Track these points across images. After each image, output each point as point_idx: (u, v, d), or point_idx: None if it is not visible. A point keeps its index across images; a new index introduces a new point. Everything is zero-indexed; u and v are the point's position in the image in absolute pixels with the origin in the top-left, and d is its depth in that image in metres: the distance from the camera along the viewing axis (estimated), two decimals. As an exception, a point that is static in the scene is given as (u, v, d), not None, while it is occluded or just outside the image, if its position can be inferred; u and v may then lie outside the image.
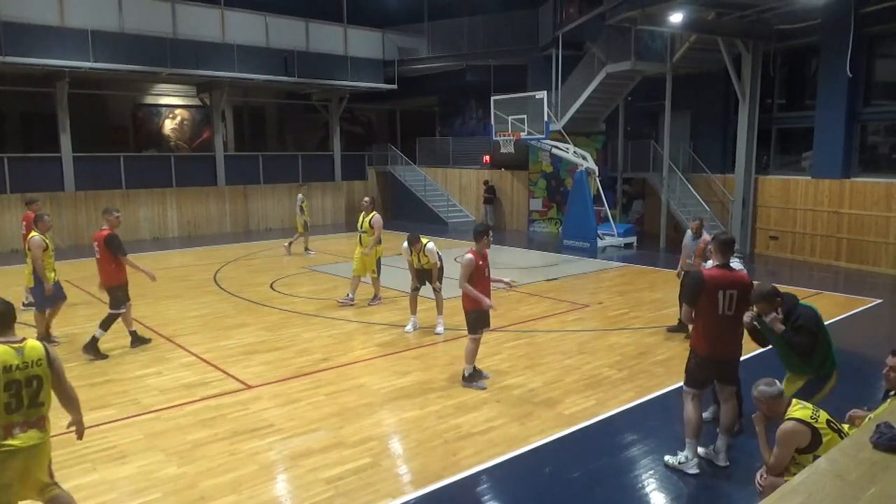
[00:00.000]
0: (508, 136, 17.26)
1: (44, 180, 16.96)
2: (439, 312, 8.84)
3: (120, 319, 8.04)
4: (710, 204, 16.58)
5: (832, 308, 10.17)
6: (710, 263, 5.19)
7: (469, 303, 6.71)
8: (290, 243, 15.87)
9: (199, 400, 6.43)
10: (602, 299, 10.93)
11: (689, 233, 8.90)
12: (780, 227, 15.29)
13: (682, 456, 5.01)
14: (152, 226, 19.05)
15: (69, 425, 3.94)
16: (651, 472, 5.04)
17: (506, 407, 6.24)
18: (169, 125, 23.42)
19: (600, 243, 16.28)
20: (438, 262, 8.66)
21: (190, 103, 22.97)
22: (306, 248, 15.84)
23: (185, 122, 23.75)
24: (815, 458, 3.51)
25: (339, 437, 5.59)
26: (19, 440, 3.47)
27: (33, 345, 3.57)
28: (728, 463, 5.03)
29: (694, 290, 4.93)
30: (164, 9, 17.64)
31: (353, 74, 21.31)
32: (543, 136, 16.69)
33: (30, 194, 13.57)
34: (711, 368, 5.00)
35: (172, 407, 6.26)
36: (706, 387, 5.22)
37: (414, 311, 8.93)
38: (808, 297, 10.88)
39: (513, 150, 17.80)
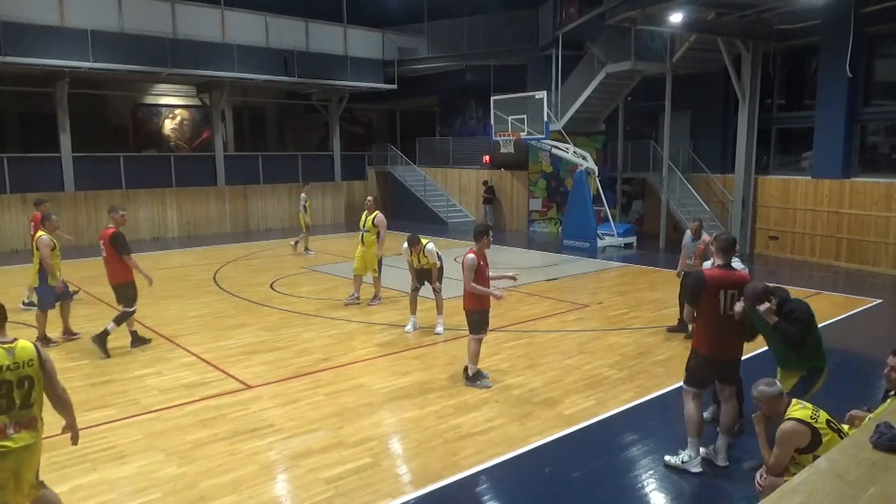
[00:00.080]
0: (508, 136, 17.26)
1: (44, 180, 16.95)
2: (439, 312, 8.84)
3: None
4: (709, 204, 16.58)
5: (832, 308, 10.17)
6: (708, 264, 5.19)
7: (472, 303, 6.71)
8: (297, 242, 15.88)
9: (199, 400, 6.43)
10: (602, 299, 10.93)
11: (688, 233, 8.88)
12: (780, 227, 15.29)
13: (684, 455, 5.01)
14: (152, 226, 19.05)
15: (63, 429, 3.90)
16: (651, 472, 5.04)
17: (506, 407, 6.24)
18: (169, 125, 23.42)
19: (600, 243, 16.28)
20: (438, 263, 8.66)
21: (190, 103, 22.97)
22: (306, 248, 15.84)
23: (185, 122, 23.75)
24: (815, 458, 3.51)
25: (339, 437, 5.59)
26: (12, 441, 3.47)
27: (24, 345, 3.55)
28: (728, 463, 5.03)
29: (695, 290, 4.94)
30: (163, 9, 17.63)
31: (353, 74, 21.31)
32: (543, 136, 16.69)
33: (38, 195, 13.60)
34: (712, 368, 5.01)
35: (172, 407, 6.26)
36: (707, 387, 5.23)
37: (414, 312, 8.94)
38: (808, 297, 10.86)
39: (513, 150, 17.80)
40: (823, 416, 3.90)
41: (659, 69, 16.45)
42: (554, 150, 17.46)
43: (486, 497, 4.83)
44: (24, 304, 10.13)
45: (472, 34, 22.08)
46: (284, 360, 7.68)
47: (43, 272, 8.06)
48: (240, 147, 24.52)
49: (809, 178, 14.71)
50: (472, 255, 6.54)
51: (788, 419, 3.89)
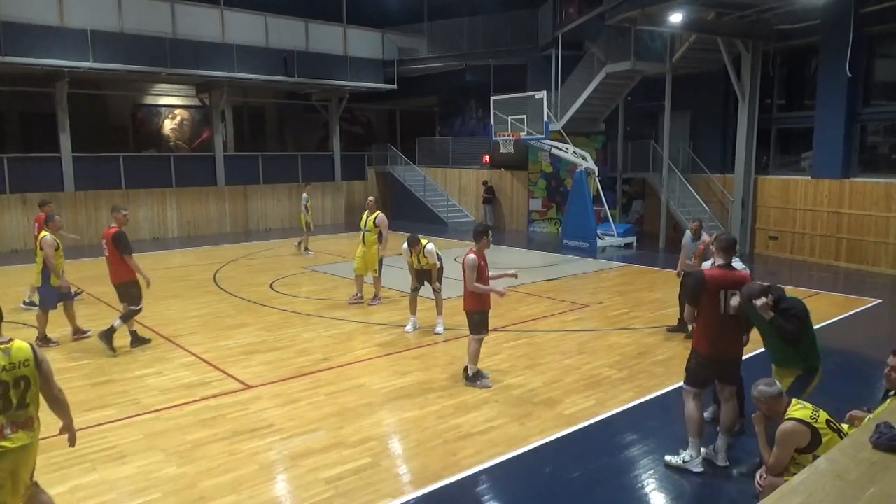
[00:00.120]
0: (508, 136, 17.26)
1: (43, 180, 16.95)
2: (439, 312, 8.85)
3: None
4: (709, 204, 16.58)
5: (832, 308, 10.18)
6: (708, 264, 5.20)
7: (472, 303, 6.72)
8: (300, 242, 15.90)
9: (199, 400, 6.42)
10: (602, 299, 10.93)
11: (688, 233, 8.87)
12: (780, 227, 15.29)
13: (686, 455, 5.02)
14: (152, 226, 19.04)
15: (60, 430, 3.88)
16: (651, 472, 5.04)
17: (506, 407, 6.24)
18: (168, 125, 23.42)
19: (600, 243, 16.29)
20: (438, 263, 8.67)
21: (189, 103, 22.96)
22: (306, 248, 15.84)
23: (185, 122, 23.74)
24: (815, 458, 3.52)
25: (339, 437, 5.59)
26: (10, 441, 3.47)
27: (21, 346, 3.54)
28: (728, 463, 5.03)
29: (695, 290, 4.95)
30: (163, 9, 17.63)
31: (353, 74, 21.31)
32: (543, 136, 16.69)
33: (42, 196, 13.63)
34: (712, 368, 5.01)
35: (172, 407, 6.26)
36: (707, 386, 5.23)
37: (414, 312, 8.94)
38: (808, 297, 10.88)
39: (512, 150, 17.80)
40: (823, 416, 3.90)
41: (659, 69, 16.45)
42: (554, 151, 17.47)
43: (486, 497, 4.84)
44: (25, 303, 10.13)
45: (472, 34, 22.07)
46: (284, 360, 7.68)
47: (46, 272, 8.08)
48: (240, 147, 24.52)
49: (809, 178, 14.72)
50: (473, 256, 6.54)
51: (788, 419, 3.89)
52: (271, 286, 11.92)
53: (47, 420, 3.83)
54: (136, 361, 7.65)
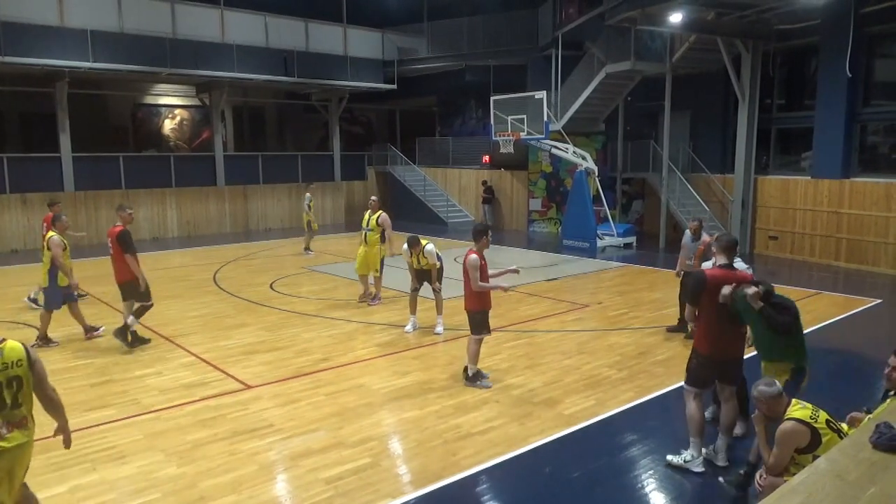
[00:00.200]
0: (508, 136, 17.26)
1: (43, 180, 16.95)
2: (439, 312, 8.85)
3: (123, 318, 8.08)
4: (709, 204, 16.58)
5: (832, 308, 10.18)
6: (709, 264, 5.19)
7: (474, 303, 6.71)
8: (307, 243, 15.89)
9: (198, 400, 6.42)
10: (602, 299, 10.93)
11: (687, 233, 8.86)
12: (780, 227, 15.29)
13: (686, 454, 5.02)
14: (152, 226, 19.04)
15: (55, 431, 3.87)
16: (651, 472, 5.04)
17: (506, 407, 6.24)
18: (168, 125, 23.42)
19: (600, 243, 16.29)
20: (438, 263, 8.67)
21: (189, 103, 22.96)
22: (306, 248, 15.85)
23: (185, 122, 23.74)
24: (815, 458, 3.51)
25: (339, 437, 5.59)
26: (6, 441, 3.47)
27: (13, 346, 3.54)
28: (727, 463, 5.02)
29: (696, 290, 4.96)
30: (163, 9, 17.63)
31: (353, 74, 21.31)
32: (543, 136, 16.69)
33: (42, 195, 13.57)
34: (713, 368, 5.01)
35: (172, 407, 6.26)
36: (708, 387, 5.24)
37: (413, 312, 8.94)
38: (808, 297, 10.89)
39: (512, 151, 17.80)
40: (823, 416, 3.90)
41: (659, 69, 16.45)
42: (554, 151, 17.46)
43: (486, 497, 4.84)
44: (29, 298, 10.07)
45: (472, 34, 22.07)
46: (284, 360, 7.68)
47: (52, 272, 8.10)
48: (239, 147, 24.52)
49: (809, 178, 14.72)
50: (475, 256, 6.53)
51: (788, 419, 3.89)
52: (271, 286, 11.92)
53: (45, 420, 3.84)
54: (136, 361, 7.65)
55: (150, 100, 22.85)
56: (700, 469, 4.96)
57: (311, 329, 9.02)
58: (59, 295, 8.20)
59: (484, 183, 21.75)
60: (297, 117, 26.61)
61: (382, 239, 10.25)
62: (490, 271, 6.76)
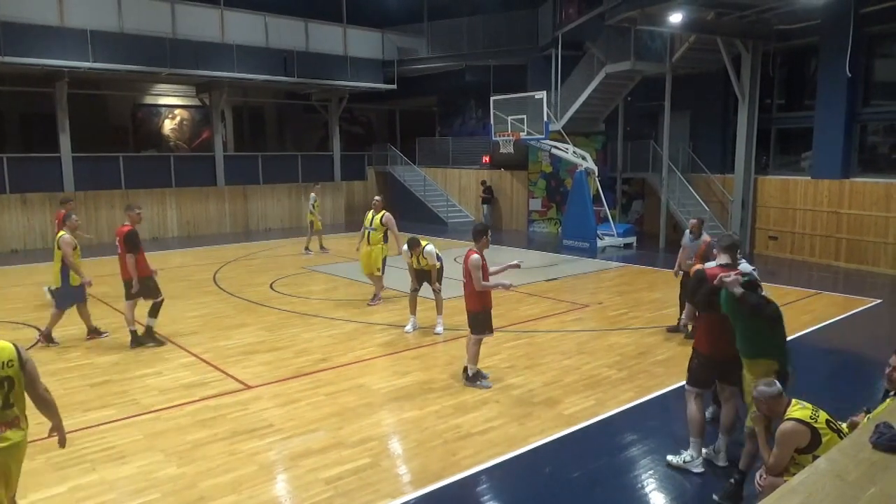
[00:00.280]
0: (508, 136, 17.26)
1: (43, 180, 16.95)
2: (439, 313, 8.84)
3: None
4: (709, 204, 16.58)
5: (831, 308, 10.18)
6: (711, 264, 5.18)
7: (475, 303, 6.71)
8: (320, 244, 15.91)
9: (198, 400, 6.42)
10: (602, 299, 10.93)
11: (687, 233, 8.80)
12: (780, 227, 15.29)
13: (686, 455, 5.02)
14: (152, 226, 19.02)
15: (50, 431, 3.85)
16: (651, 472, 5.04)
17: (505, 407, 6.24)
18: (168, 125, 23.42)
19: (600, 243, 16.28)
20: (438, 264, 8.67)
21: (189, 103, 22.96)
22: (306, 248, 15.85)
23: (185, 123, 23.74)
24: (815, 458, 3.51)
25: (339, 437, 5.58)
26: (1, 440, 3.48)
27: (3, 346, 3.53)
28: (728, 463, 5.02)
29: (696, 289, 4.94)
30: (163, 9, 17.63)
31: (353, 74, 21.31)
32: (543, 137, 16.69)
33: (64, 193, 13.45)
34: (714, 368, 5.01)
35: (172, 407, 6.26)
36: (709, 387, 5.23)
37: (413, 312, 8.94)
38: (808, 297, 10.89)
39: (512, 151, 17.80)
40: (823, 416, 3.90)
41: (658, 69, 16.45)
42: (554, 151, 17.46)
43: (486, 497, 4.83)
44: (49, 290, 9.71)
45: (472, 34, 22.07)
46: (284, 360, 7.68)
47: (64, 271, 8.10)
48: (239, 147, 24.51)
49: (809, 178, 14.72)
50: (477, 256, 6.51)
51: (788, 419, 3.88)
52: (271, 286, 11.92)
53: (44, 421, 3.84)
54: (136, 361, 7.65)
55: (150, 100, 22.85)
56: (699, 470, 4.96)
57: (311, 329, 9.01)
58: (71, 294, 8.21)
59: (483, 183, 21.75)
60: (297, 117, 26.61)
61: (385, 238, 10.25)
62: (491, 268, 6.76)
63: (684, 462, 5.00)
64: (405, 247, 8.66)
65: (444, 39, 22.56)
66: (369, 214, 10.35)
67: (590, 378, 7.04)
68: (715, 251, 5.19)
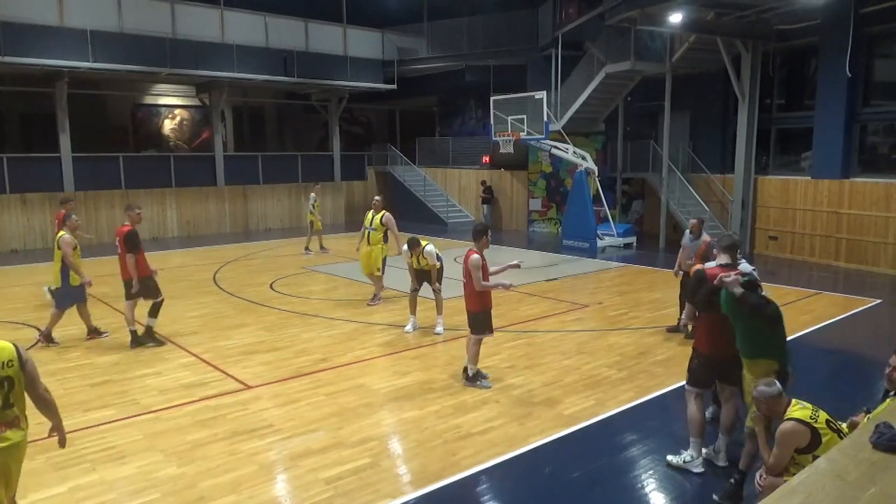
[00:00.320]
0: (508, 136, 17.25)
1: (43, 180, 16.95)
2: (439, 313, 8.84)
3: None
4: (709, 204, 16.58)
5: (831, 308, 10.18)
6: (712, 264, 5.18)
7: (475, 304, 6.70)
8: (320, 244, 15.90)
9: (198, 400, 6.42)
10: (602, 299, 10.93)
11: (687, 233, 8.79)
12: (780, 227, 15.29)
13: (686, 455, 5.02)
14: (151, 226, 19.01)
15: (50, 431, 3.85)
16: (651, 472, 5.04)
17: (505, 407, 6.24)
18: (168, 125, 23.41)
19: (600, 243, 16.28)
20: (438, 264, 8.67)
21: (189, 103, 22.95)
22: (306, 248, 15.85)
23: (185, 123, 23.74)
24: (815, 458, 3.51)
25: (339, 437, 5.58)
26: (1, 440, 3.48)
27: (3, 346, 3.53)
28: (728, 463, 5.02)
29: (696, 289, 4.94)
30: (163, 9, 17.63)
31: (353, 74, 21.30)
32: (543, 137, 16.69)
33: (64, 193, 13.43)
34: (714, 368, 5.01)
35: (172, 407, 6.26)
36: (709, 387, 5.23)
37: (413, 312, 8.94)
38: (808, 297, 10.89)
39: (512, 151, 17.80)
40: (823, 416, 3.90)
41: (658, 69, 16.45)
42: (554, 151, 17.46)
43: (485, 497, 4.83)
44: (48, 290, 9.75)
45: (472, 34, 22.07)
46: (284, 360, 7.68)
47: (64, 271, 8.10)
48: (239, 147, 24.51)
49: (809, 178, 14.72)
50: (477, 256, 6.51)
51: (788, 419, 3.88)
52: (271, 286, 11.92)
53: (44, 420, 3.83)
54: (136, 361, 7.65)
55: (149, 100, 22.84)
56: (699, 470, 4.96)
57: (311, 329, 9.01)
58: (71, 295, 8.21)
59: (483, 183, 21.75)
60: (297, 117, 26.60)
61: (385, 238, 10.25)
62: (491, 268, 6.76)
63: (684, 462, 5.00)
64: (405, 247, 8.67)
65: (444, 39, 22.56)
66: (369, 214, 10.35)
67: (590, 378, 7.04)
68: (715, 251, 5.18)
